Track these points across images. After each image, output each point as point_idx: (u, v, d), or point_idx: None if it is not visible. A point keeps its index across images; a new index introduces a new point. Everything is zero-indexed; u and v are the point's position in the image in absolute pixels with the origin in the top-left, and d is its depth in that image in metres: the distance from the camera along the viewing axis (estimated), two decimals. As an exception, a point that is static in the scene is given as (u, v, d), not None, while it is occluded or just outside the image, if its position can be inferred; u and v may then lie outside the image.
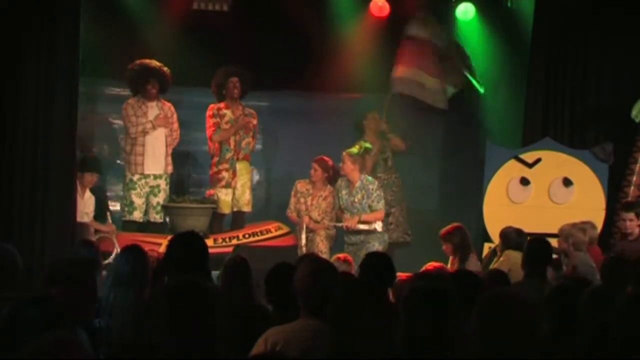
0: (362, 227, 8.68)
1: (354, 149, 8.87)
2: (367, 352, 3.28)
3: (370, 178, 8.91)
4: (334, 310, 3.42)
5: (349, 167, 8.76)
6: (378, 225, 8.72)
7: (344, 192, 8.83)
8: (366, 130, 9.96)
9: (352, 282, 4.55)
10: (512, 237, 7.35)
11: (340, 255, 7.47)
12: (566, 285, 4.67)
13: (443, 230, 7.69)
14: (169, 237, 8.47)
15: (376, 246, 8.64)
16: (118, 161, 9.84)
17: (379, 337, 3.29)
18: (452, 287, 4.19)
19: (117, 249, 8.30)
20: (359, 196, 8.76)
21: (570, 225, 7.34)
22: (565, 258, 7.15)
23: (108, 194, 9.93)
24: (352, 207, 8.77)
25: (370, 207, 8.74)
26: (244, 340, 4.01)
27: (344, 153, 8.82)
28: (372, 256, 5.26)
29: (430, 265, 6.62)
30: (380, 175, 9.74)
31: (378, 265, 5.01)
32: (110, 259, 7.76)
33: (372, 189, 8.78)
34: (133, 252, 5.13)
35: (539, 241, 6.33)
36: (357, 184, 8.77)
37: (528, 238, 7.04)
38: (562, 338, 4.02)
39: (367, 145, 9.15)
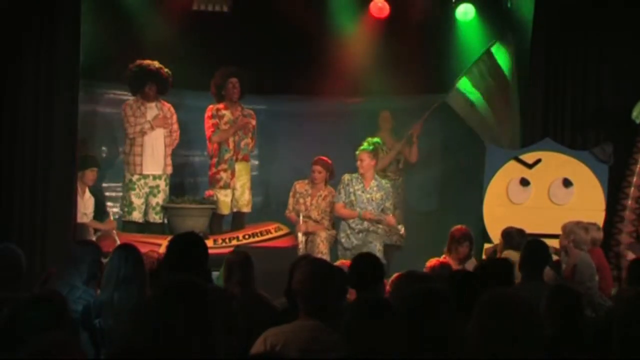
0: (396, 226, 8.74)
1: (366, 146, 8.86)
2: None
3: (384, 179, 8.93)
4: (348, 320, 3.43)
5: (368, 163, 8.80)
6: (402, 229, 8.80)
7: (357, 187, 8.81)
8: (381, 128, 9.99)
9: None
10: (514, 237, 7.34)
11: (341, 262, 7.47)
12: (565, 286, 4.67)
13: (464, 230, 7.62)
14: (169, 238, 8.52)
15: (378, 246, 8.64)
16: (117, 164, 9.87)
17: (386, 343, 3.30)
18: (451, 287, 4.19)
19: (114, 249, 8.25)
20: (378, 195, 8.79)
21: (573, 222, 7.32)
22: (566, 256, 7.14)
23: (107, 194, 9.92)
24: (367, 203, 8.77)
25: (385, 209, 8.78)
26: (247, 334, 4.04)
27: (359, 152, 8.82)
28: (361, 258, 5.27)
29: (436, 260, 6.59)
30: (389, 175, 9.74)
31: (368, 266, 5.02)
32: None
33: (391, 193, 8.87)
34: (130, 252, 5.12)
35: (536, 242, 6.28)
36: (373, 182, 8.79)
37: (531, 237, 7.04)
38: (563, 338, 4.02)
39: (376, 139, 9.10)
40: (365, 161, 8.81)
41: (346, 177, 8.93)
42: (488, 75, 9.29)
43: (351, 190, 8.83)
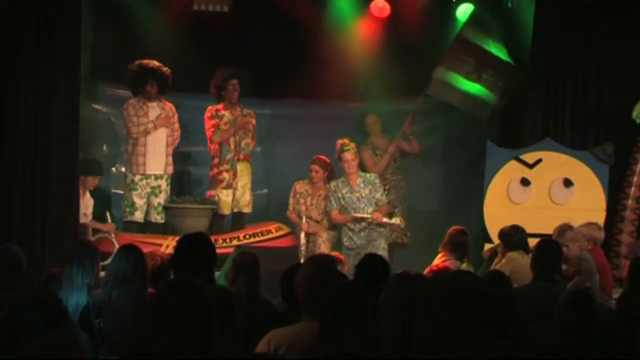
0: (386, 220, 8.69)
1: (347, 147, 8.83)
2: (355, 352, 3.28)
3: (369, 174, 8.92)
4: (322, 311, 3.44)
5: (355, 161, 8.76)
6: (396, 220, 8.78)
7: (344, 191, 8.79)
8: (372, 132, 10.01)
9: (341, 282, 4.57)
10: (510, 236, 7.31)
11: (333, 253, 7.46)
12: (582, 291, 4.64)
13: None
14: (171, 238, 8.53)
15: (382, 244, 8.64)
16: (118, 164, 9.86)
17: (366, 338, 3.29)
18: (450, 288, 4.18)
19: (116, 249, 8.25)
20: (366, 190, 8.75)
21: (567, 229, 7.32)
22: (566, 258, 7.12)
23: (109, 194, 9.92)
24: (358, 202, 8.74)
25: (377, 201, 8.75)
26: (247, 334, 4.03)
27: (343, 154, 8.78)
28: (369, 258, 5.26)
29: (441, 265, 6.56)
30: (388, 177, 9.77)
31: (374, 267, 5.01)
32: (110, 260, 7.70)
33: (379, 183, 8.84)
34: (131, 252, 5.10)
35: (547, 242, 6.22)
36: (358, 180, 8.77)
37: (532, 237, 7.01)
38: (575, 342, 4.00)
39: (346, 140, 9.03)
40: (354, 160, 8.76)
41: (332, 184, 8.87)
42: (465, 55, 9.29)
43: (339, 195, 8.81)
